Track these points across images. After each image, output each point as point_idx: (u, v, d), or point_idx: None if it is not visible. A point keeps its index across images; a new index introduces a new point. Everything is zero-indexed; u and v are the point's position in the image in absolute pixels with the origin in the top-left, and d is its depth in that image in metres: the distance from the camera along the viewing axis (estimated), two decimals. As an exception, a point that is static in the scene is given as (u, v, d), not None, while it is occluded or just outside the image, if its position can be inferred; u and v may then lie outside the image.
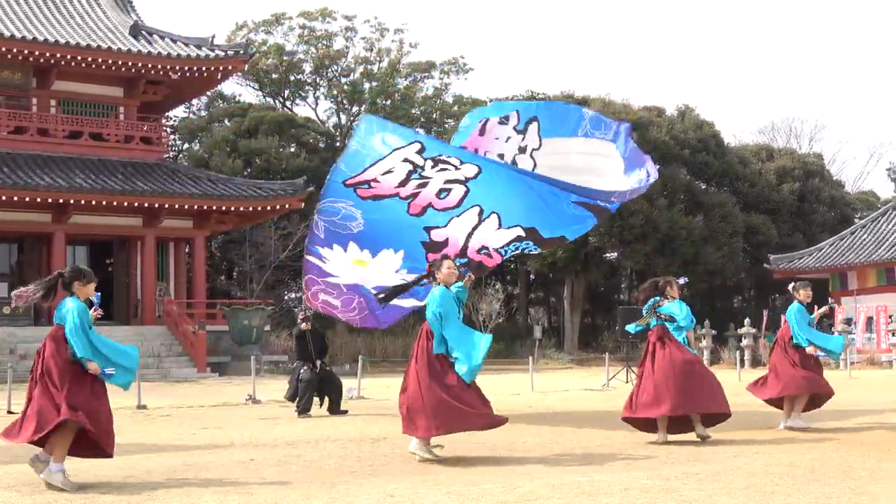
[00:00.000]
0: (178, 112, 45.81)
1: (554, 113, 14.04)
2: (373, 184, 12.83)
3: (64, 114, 31.70)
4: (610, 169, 13.19)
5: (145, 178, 30.87)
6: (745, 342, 35.53)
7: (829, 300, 36.86)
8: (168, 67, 31.72)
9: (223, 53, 32.59)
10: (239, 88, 51.98)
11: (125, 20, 33.25)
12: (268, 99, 51.57)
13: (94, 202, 29.33)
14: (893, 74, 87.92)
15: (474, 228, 12.62)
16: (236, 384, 23.55)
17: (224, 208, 31.78)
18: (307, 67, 51.04)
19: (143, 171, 31.47)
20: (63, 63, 30.39)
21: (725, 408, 10.51)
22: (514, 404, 16.29)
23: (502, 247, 12.69)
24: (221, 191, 31.64)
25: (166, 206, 30.68)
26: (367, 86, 51.07)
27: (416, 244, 12.91)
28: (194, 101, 46.87)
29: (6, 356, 25.11)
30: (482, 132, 14.00)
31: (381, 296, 10.92)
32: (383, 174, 12.74)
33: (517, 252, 13.03)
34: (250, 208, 32.04)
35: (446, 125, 50.73)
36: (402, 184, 12.75)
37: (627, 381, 22.42)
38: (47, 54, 29.96)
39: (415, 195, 12.76)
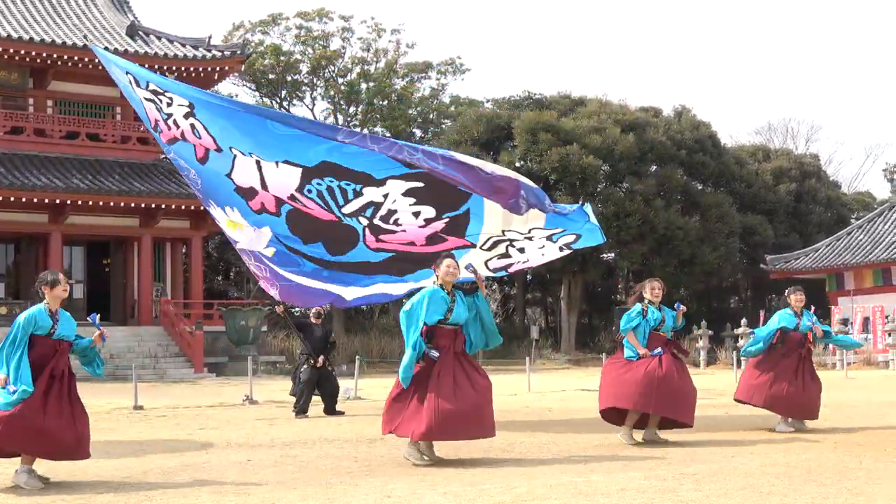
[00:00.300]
0: (176, 112, 45.72)
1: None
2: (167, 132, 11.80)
3: (61, 114, 31.69)
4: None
5: (142, 179, 30.86)
6: (741, 342, 35.56)
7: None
8: (165, 68, 31.65)
9: (220, 54, 32.58)
10: (236, 89, 51.94)
11: (122, 20, 33.24)
12: (265, 99, 51.54)
13: (90, 202, 29.32)
14: (890, 75, 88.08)
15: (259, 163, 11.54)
16: (233, 384, 23.53)
17: (221, 209, 31.70)
18: (304, 68, 51.02)
19: (139, 171, 31.46)
20: (60, 63, 30.38)
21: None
22: (511, 405, 16.29)
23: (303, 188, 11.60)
24: (218, 191, 31.58)
25: (163, 206, 30.67)
26: (363, 86, 51.06)
27: (231, 193, 12.04)
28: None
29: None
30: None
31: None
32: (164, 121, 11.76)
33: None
34: (248, 209, 31.97)
35: (443, 125, 50.78)
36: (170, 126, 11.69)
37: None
38: (44, 54, 29.96)
39: (183, 136, 11.70)
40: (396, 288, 12.61)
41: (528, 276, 47.61)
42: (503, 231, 11.52)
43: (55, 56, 30.01)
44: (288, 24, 50.53)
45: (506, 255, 11.90)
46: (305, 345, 15.27)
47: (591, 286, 46.50)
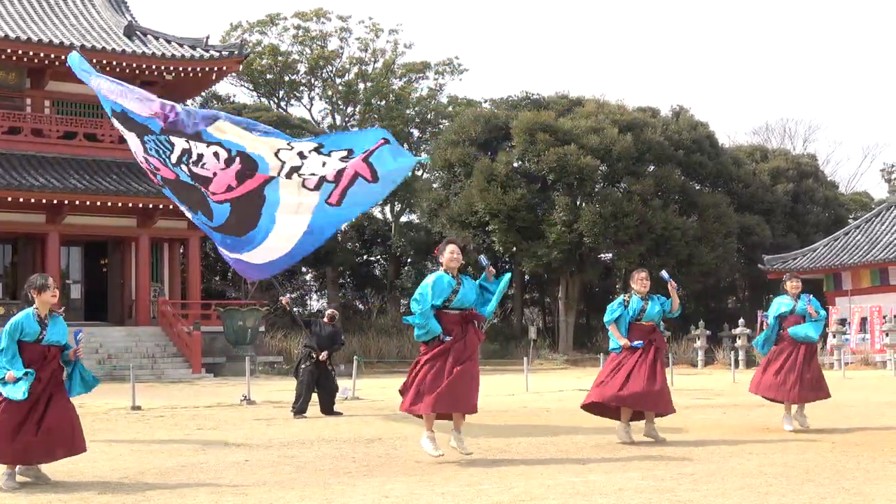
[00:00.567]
0: (173, 113, 45.73)
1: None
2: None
3: (58, 114, 31.67)
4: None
5: (139, 179, 30.82)
6: (739, 343, 35.59)
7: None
8: (162, 68, 31.68)
9: (218, 54, 32.56)
10: (233, 89, 52.01)
11: (119, 21, 33.22)
12: (262, 99, 51.58)
13: (88, 203, 29.30)
14: (887, 76, 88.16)
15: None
16: (231, 385, 23.52)
17: (219, 209, 31.70)
18: (302, 68, 51.05)
19: (137, 171, 31.36)
20: (57, 63, 30.33)
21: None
22: (509, 405, 16.30)
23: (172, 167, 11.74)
24: (216, 191, 31.58)
25: (161, 206, 30.61)
26: (361, 86, 51.08)
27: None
28: (189, 102, 46.72)
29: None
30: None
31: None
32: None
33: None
34: (245, 209, 31.97)
35: (441, 126, 50.79)
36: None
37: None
38: (41, 55, 29.93)
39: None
40: (255, 256, 12.45)
41: (526, 277, 47.64)
42: (275, 154, 11.32)
43: (53, 56, 29.98)
44: (286, 25, 50.60)
45: (310, 182, 11.48)
46: (310, 339, 15.19)
47: (589, 286, 46.54)
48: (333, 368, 15.55)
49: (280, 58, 50.01)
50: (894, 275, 37.12)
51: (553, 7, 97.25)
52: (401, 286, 49.37)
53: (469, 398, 9.10)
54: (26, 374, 7.87)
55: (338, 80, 51.15)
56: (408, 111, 51.86)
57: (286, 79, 51.00)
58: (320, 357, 14.92)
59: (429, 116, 52.57)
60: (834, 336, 34.16)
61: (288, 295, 14.40)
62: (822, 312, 12.10)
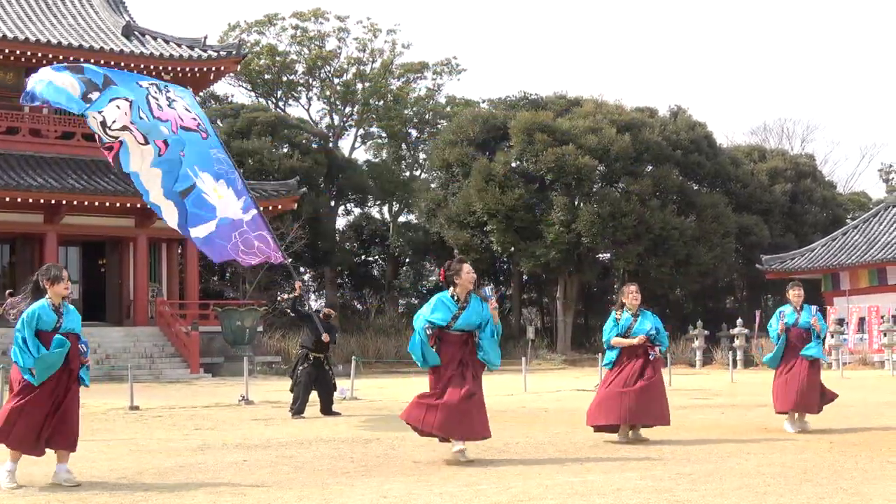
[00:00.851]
0: (171, 113, 45.66)
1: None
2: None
3: (56, 114, 31.63)
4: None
5: (138, 179, 30.81)
6: (737, 343, 35.62)
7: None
8: (160, 68, 31.64)
9: (216, 54, 32.54)
10: (231, 89, 52.00)
11: (117, 21, 33.20)
12: (260, 99, 51.55)
13: (86, 203, 29.27)
14: (885, 76, 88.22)
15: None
16: (229, 385, 23.51)
17: (217, 209, 31.68)
18: (300, 68, 51.04)
19: (135, 171, 31.40)
20: (55, 63, 30.33)
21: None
22: (507, 405, 16.30)
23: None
24: (214, 191, 31.55)
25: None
26: (359, 86, 51.08)
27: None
28: (187, 102, 46.74)
29: (-2, 357, 25.05)
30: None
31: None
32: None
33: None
34: (244, 209, 31.95)
35: (439, 126, 50.79)
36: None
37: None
38: (39, 54, 29.90)
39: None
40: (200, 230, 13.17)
41: (525, 277, 47.67)
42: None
43: (51, 56, 29.92)
44: (284, 25, 50.58)
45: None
46: (311, 328, 15.06)
47: (587, 286, 46.55)
48: (331, 368, 15.52)
49: (278, 58, 50.00)
50: (892, 275, 37.15)
51: (551, 7, 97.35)
52: (399, 286, 49.39)
53: (475, 425, 9.05)
54: (60, 341, 7.96)
55: (336, 81, 51.15)
56: (406, 111, 51.86)
57: (284, 79, 50.99)
58: (322, 337, 14.80)
59: (427, 116, 52.57)
60: (832, 336, 34.18)
61: (300, 279, 14.39)
62: (825, 327, 12.18)
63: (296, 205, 32.93)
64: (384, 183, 50.47)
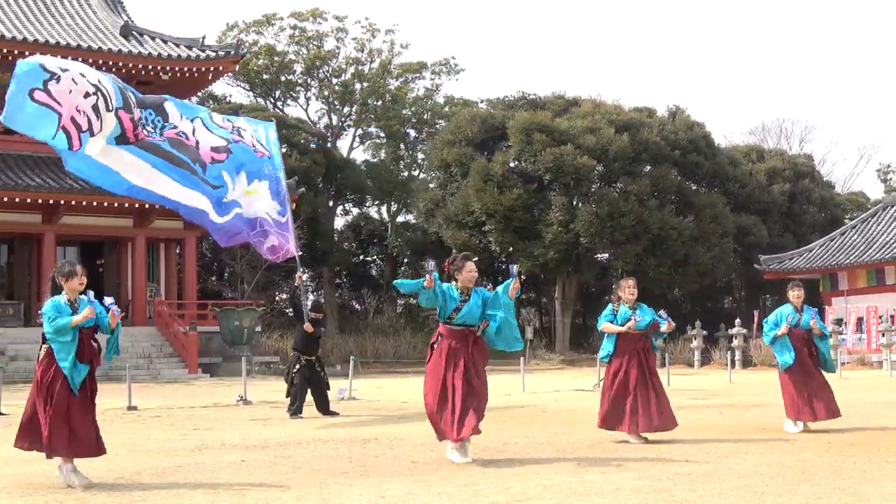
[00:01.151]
0: (170, 113, 45.65)
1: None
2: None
3: (54, 114, 31.60)
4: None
5: (136, 179, 30.80)
6: (735, 343, 35.63)
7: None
8: (159, 68, 31.64)
9: (214, 54, 32.53)
10: (230, 89, 51.95)
11: (116, 20, 33.18)
12: (259, 99, 51.51)
13: (84, 203, 29.26)
14: (884, 76, 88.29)
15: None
16: (227, 385, 23.50)
17: (215, 209, 31.67)
18: (298, 68, 51.00)
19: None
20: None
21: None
22: (505, 405, 16.29)
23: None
24: (212, 191, 31.55)
25: (157, 206, 30.57)
26: (358, 86, 51.06)
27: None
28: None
29: (-4, 357, 25.06)
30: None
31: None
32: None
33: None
34: (242, 209, 31.94)
35: (437, 126, 50.79)
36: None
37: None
38: (38, 54, 29.83)
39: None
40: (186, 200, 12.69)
41: (523, 276, 47.62)
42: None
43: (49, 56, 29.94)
44: (282, 25, 50.54)
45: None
46: (298, 341, 15.16)
47: (586, 286, 46.56)
48: (323, 369, 15.45)
49: (276, 58, 49.96)
50: (890, 275, 37.18)
51: (549, 7, 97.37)
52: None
53: (470, 421, 8.99)
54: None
55: (334, 81, 51.13)
56: (404, 111, 51.86)
57: (282, 79, 50.96)
58: (305, 327, 14.82)
59: (425, 116, 52.57)
60: (830, 336, 34.20)
61: (301, 270, 14.38)
62: (824, 327, 12.19)
63: (294, 205, 32.85)
64: (382, 183, 50.47)
